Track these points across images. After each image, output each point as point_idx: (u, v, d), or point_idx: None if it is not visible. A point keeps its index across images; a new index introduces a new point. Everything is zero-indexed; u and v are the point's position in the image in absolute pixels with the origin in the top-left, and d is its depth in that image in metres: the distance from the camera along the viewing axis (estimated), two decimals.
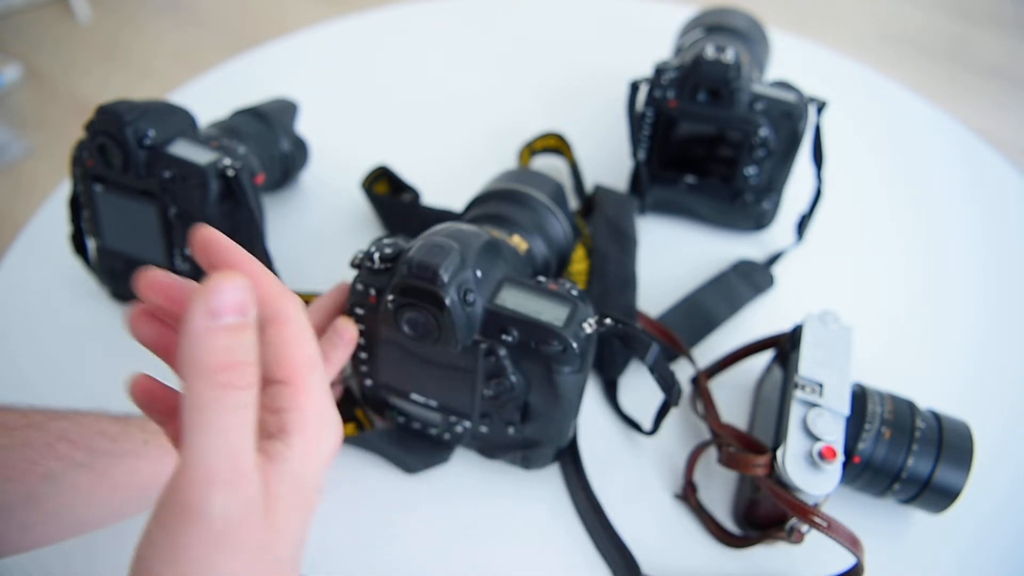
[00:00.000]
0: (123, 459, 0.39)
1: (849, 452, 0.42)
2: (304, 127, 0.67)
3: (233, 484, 0.21)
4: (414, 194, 0.65)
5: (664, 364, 0.43)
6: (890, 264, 0.63)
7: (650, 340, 0.41)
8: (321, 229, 0.65)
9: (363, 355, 0.46)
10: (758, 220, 0.62)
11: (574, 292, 0.42)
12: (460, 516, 0.47)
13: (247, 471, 0.22)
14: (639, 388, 0.54)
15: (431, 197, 0.65)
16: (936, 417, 0.44)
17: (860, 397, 0.44)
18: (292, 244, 0.63)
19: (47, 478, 0.36)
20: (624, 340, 0.41)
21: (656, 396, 0.47)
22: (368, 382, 0.48)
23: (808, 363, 0.44)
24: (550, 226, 0.52)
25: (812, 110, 0.56)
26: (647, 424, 0.50)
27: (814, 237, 0.63)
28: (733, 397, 0.53)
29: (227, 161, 0.50)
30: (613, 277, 0.57)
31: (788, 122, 0.56)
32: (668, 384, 0.44)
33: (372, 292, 0.43)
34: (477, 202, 0.53)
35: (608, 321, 0.41)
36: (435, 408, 0.46)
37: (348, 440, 0.50)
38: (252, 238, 0.53)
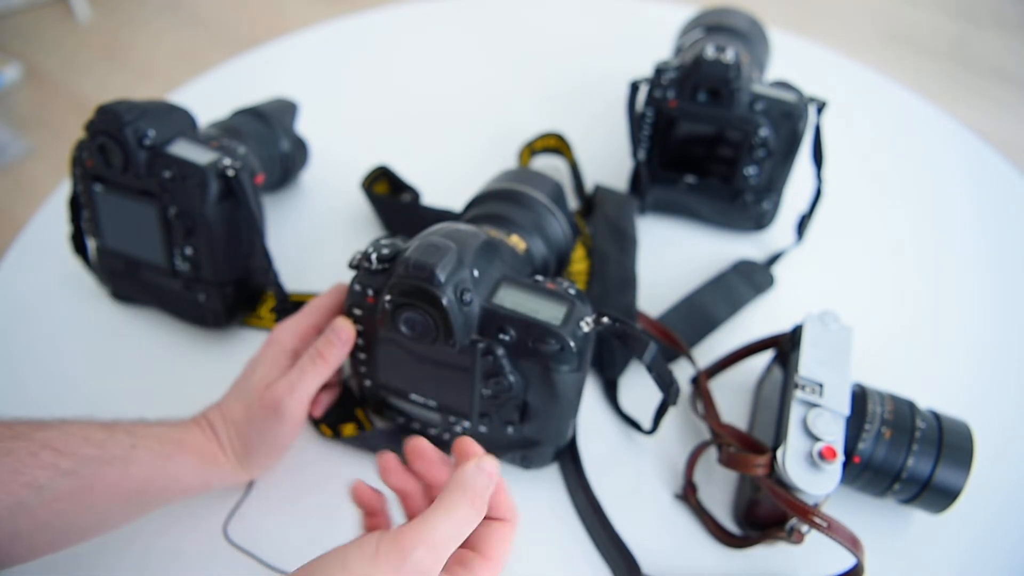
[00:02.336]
0: (111, 465, 0.39)
1: (849, 452, 0.42)
2: (304, 127, 0.67)
3: (435, 550, 0.31)
4: (414, 194, 0.65)
5: (662, 363, 0.43)
6: (890, 264, 0.63)
7: (648, 339, 0.41)
8: (321, 229, 0.65)
9: (362, 355, 0.46)
10: (758, 220, 0.62)
11: (572, 291, 0.42)
12: None
13: (442, 548, 0.31)
14: (639, 388, 0.53)
15: (431, 197, 0.65)
16: (936, 417, 0.44)
17: (860, 397, 0.44)
18: (292, 244, 0.63)
19: (32, 487, 0.36)
20: (622, 339, 0.41)
21: (656, 395, 0.47)
22: (367, 382, 0.48)
23: (808, 363, 0.44)
24: (549, 226, 0.51)
25: (812, 110, 0.56)
26: (647, 424, 0.49)
27: (814, 237, 0.63)
28: (733, 397, 0.53)
29: (227, 161, 0.50)
30: (613, 277, 0.57)
31: (788, 122, 0.56)
32: (666, 383, 0.44)
33: (370, 292, 0.43)
34: (476, 202, 0.53)
35: (605, 320, 0.41)
36: (434, 408, 0.46)
37: (348, 440, 0.50)
38: (252, 238, 0.53)
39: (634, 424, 0.51)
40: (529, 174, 0.54)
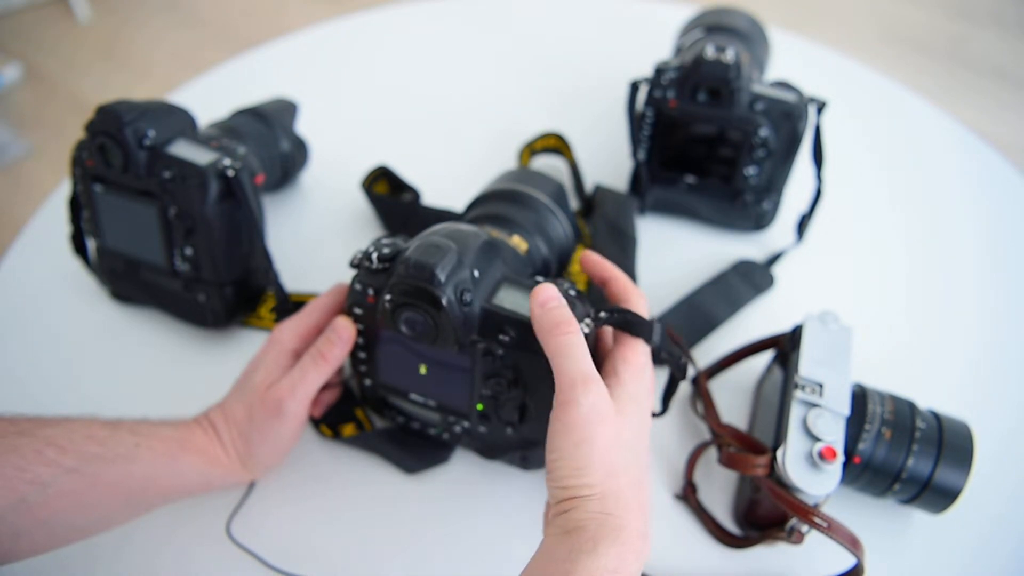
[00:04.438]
0: (114, 463, 0.39)
1: (849, 452, 0.42)
2: (304, 127, 0.67)
3: (589, 383, 0.36)
4: (414, 194, 0.65)
5: (668, 340, 0.43)
6: (890, 264, 0.63)
7: (650, 322, 0.41)
8: (321, 229, 0.65)
9: (362, 355, 0.46)
10: (758, 220, 0.62)
11: (572, 292, 0.42)
12: (460, 516, 0.47)
13: (595, 378, 0.36)
14: None
15: (431, 197, 0.65)
16: (936, 417, 0.44)
17: (860, 397, 0.44)
18: (292, 244, 0.63)
19: (35, 484, 0.36)
20: (625, 328, 0.41)
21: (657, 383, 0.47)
22: (367, 382, 0.48)
23: (808, 363, 0.44)
24: (551, 226, 0.51)
25: (812, 110, 0.56)
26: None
27: (814, 237, 0.63)
28: (733, 397, 0.53)
29: (227, 161, 0.50)
30: None
31: (788, 122, 0.56)
32: (675, 358, 0.43)
33: (370, 292, 0.43)
34: (478, 202, 0.53)
35: (603, 315, 0.41)
36: (434, 408, 0.46)
37: (348, 440, 0.50)
38: (252, 238, 0.53)
39: None
40: (531, 174, 0.54)
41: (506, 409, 0.43)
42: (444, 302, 0.38)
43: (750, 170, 0.59)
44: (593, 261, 0.46)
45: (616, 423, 0.36)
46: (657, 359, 0.42)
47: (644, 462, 0.38)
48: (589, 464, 0.35)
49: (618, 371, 0.39)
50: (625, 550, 0.33)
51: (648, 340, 0.41)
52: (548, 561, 0.34)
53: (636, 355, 0.40)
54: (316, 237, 0.65)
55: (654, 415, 0.50)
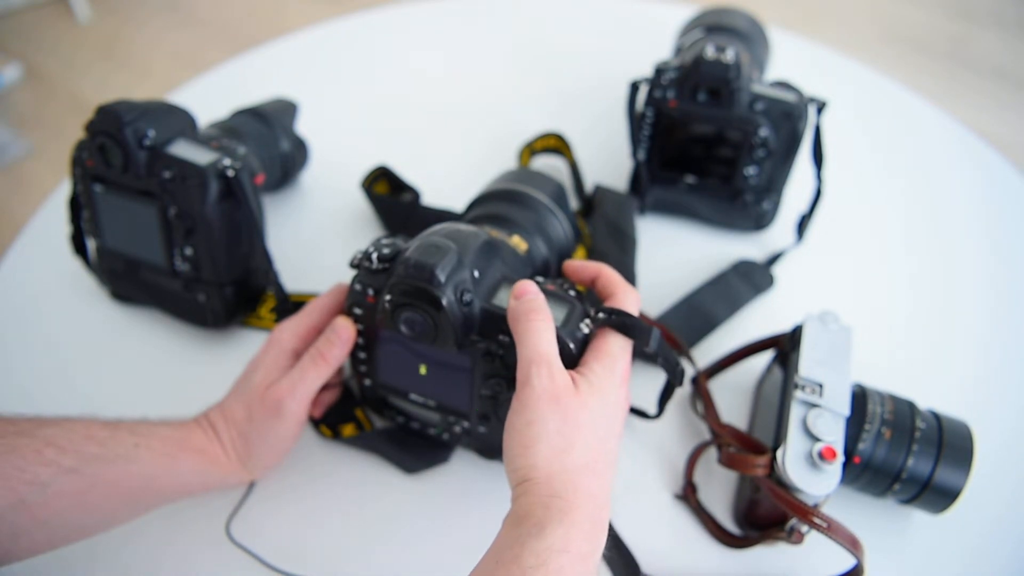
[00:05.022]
0: (113, 463, 0.39)
1: (849, 452, 0.42)
2: (304, 127, 0.67)
3: (542, 365, 0.36)
4: (414, 194, 0.65)
5: (666, 347, 0.43)
6: (890, 264, 0.63)
7: (649, 326, 0.41)
8: (321, 229, 0.65)
9: (362, 355, 0.46)
10: (758, 220, 0.62)
11: (572, 292, 0.42)
12: (460, 516, 0.47)
13: (553, 360, 0.37)
14: (634, 382, 0.53)
15: (431, 197, 0.65)
16: (936, 417, 0.44)
17: (860, 397, 0.44)
18: (292, 244, 0.63)
19: (35, 484, 0.36)
20: (623, 330, 0.41)
21: (652, 388, 0.47)
22: (367, 382, 0.48)
23: (808, 363, 0.44)
24: (550, 226, 0.51)
25: (812, 110, 0.56)
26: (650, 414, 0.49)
27: (814, 237, 0.63)
28: (733, 397, 0.53)
29: (227, 161, 0.50)
30: None
31: (788, 122, 0.56)
32: (672, 365, 0.43)
33: (370, 292, 0.43)
34: (478, 202, 0.53)
35: (602, 316, 0.41)
36: (434, 408, 0.46)
37: (348, 440, 0.50)
38: (252, 238, 0.53)
39: (639, 413, 0.50)
40: (531, 174, 0.54)
41: (506, 409, 0.43)
42: (444, 302, 0.38)
43: (750, 170, 0.59)
44: (574, 268, 0.47)
45: (572, 406, 0.36)
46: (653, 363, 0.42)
47: (609, 451, 0.38)
48: (537, 443, 0.35)
49: (587, 360, 0.39)
50: (573, 531, 0.33)
51: (645, 345, 0.41)
52: (499, 550, 0.34)
53: (609, 345, 0.40)
54: (316, 237, 0.65)
55: (649, 417, 0.50)
